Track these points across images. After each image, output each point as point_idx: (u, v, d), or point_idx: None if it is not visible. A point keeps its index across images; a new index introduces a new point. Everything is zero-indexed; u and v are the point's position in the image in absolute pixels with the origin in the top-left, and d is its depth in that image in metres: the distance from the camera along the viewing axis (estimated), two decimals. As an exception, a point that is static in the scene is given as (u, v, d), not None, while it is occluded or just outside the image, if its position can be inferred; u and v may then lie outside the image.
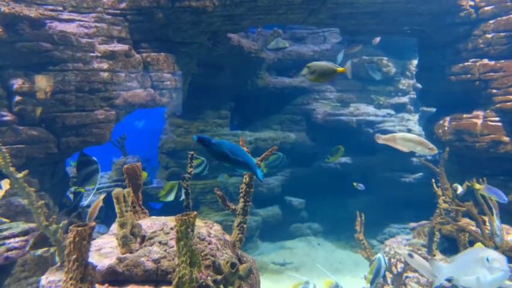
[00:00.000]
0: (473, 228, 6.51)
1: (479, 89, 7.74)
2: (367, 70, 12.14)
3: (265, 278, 9.13)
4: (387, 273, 7.46)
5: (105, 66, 7.16)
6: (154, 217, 4.25)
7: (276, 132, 12.46)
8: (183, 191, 4.59)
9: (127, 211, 3.53)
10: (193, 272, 2.97)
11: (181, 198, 7.90)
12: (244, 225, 4.47)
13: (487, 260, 3.78)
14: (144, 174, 10.89)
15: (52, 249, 5.87)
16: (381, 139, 6.02)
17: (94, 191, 7.08)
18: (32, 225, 5.75)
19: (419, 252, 7.23)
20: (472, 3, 7.77)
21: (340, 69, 5.00)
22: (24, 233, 5.60)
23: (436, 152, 5.97)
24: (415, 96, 12.98)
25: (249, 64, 11.70)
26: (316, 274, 9.75)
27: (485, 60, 7.63)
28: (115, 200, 3.46)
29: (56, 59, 6.67)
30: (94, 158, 6.42)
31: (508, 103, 7.23)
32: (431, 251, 7.01)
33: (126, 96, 7.47)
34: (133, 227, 3.55)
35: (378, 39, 12.00)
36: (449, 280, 4.21)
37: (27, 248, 4.78)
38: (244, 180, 4.46)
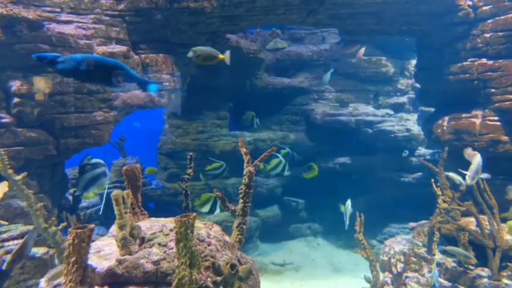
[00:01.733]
0: (473, 227, 6.52)
1: (477, 89, 7.74)
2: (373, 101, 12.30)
3: (265, 279, 9.12)
4: (386, 273, 7.48)
5: (104, 67, 7.15)
6: (153, 218, 4.24)
7: (275, 132, 12.46)
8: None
9: (126, 213, 3.52)
10: (193, 273, 2.96)
11: (216, 212, 8.28)
12: (244, 226, 4.46)
13: None
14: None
15: (51, 252, 5.87)
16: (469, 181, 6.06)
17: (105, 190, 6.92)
18: (31, 227, 5.73)
19: (419, 251, 7.23)
20: (470, 2, 7.77)
21: (221, 56, 5.99)
22: (23, 235, 5.58)
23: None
24: (414, 96, 13.00)
25: (248, 65, 11.69)
26: (316, 274, 9.76)
27: (484, 60, 7.64)
28: (114, 202, 3.45)
29: (55, 61, 6.66)
30: (101, 161, 6.22)
31: (507, 102, 7.24)
32: (431, 250, 7.01)
33: (125, 97, 7.46)
34: (133, 228, 3.54)
35: (362, 51, 12.03)
36: None
37: (3, 267, 4.63)
38: (243, 181, 4.45)
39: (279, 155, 10.05)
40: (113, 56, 7.27)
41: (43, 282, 3.61)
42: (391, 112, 12.65)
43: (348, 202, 7.75)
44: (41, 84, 6.54)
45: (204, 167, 10.18)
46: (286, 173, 10.12)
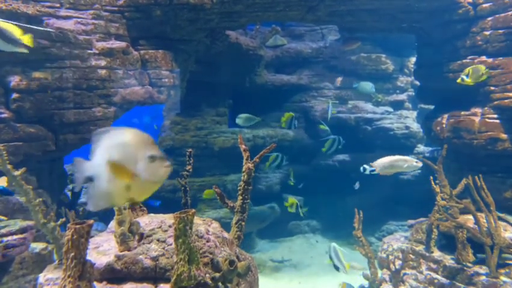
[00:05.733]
0: (471, 225, 6.53)
1: (477, 86, 7.73)
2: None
3: (263, 276, 9.14)
4: (384, 270, 7.50)
5: (103, 63, 7.14)
6: (152, 214, 4.25)
7: (274, 129, 12.45)
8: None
9: (125, 208, 3.53)
10: (192, 269, 2.97)
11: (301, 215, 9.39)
12: (243, 223, 4.48)
13: None
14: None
15: (50, 247, 5.87)
16: (377, 169, 6.27)
17: None
18: (30, 222, 5.73)
19: (417, 248, 7.25)
20: (470, 0, 7.76)
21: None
22: (22, 230, 5.59)
23: (421, 165, 6.19)
24: (413, 93, 12.99)
25: (247, 61, 11.68)
26: (314, 271, 9.79)
27: (484, 57, 7.63)
28: (113, 198, 3.45)
29: (54, 56, 6.65)
30: None
31: (506, 100, 7.24)
32: (429, 248, 7.03)
33: (124, 93, 7.45)
34: (131, 224, 3.54)
35: (339, 79, 12.11)
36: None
37: None
38: (242, 177, 4.46)
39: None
40: (113, 52, 7.26)
41: (42, 277, 3.62)
42: (390, 109, 12.65)
43: (333, 245, 6.96)
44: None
45: (203, 163, 10.26)
46: (285, 162, 10.38)
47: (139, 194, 2.20)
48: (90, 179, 2.39)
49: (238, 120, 10.02)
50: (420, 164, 6.38)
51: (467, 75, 7.14)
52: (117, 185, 2.16)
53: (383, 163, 6.41)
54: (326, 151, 10.50)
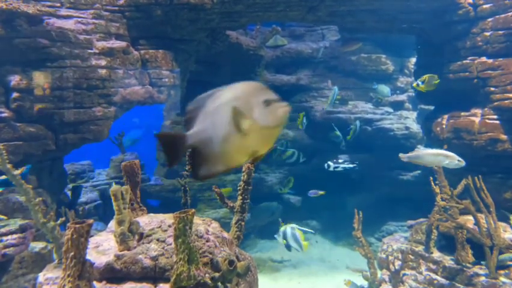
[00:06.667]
0: (471, 225, 6.53)
1: (477, 87, 7.74)
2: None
3: (263, 275, 9.14)
4: (384, 270, 7.50)
5: (103, 63, 7.14)
6: (152, 214, 4.25)
7: (274, 130, 12.44)
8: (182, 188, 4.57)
9: (125, 208, 3.53)
10: (191, 269, 2.97)
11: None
12: (242, 223, 4.48)
13: None
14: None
15: (50, 246, 5.87)
16: (405, 158, 6.21)
17: None
18: (30, 222, 5.74)
19: (417, 249, 7.26)
20: (470, 1, 7.76)
21: None
22: (22, 230, 5.59)
23: (464, 164, 6.13)
24: (413, 94, 12.98)
25: (248, 61, 11.67)
26: (314, 271, 9.78)
27: (484, 58, 7.63)
28: (112, 198, 3.46)
29: (54, 56, 6.65)
30: None
31: (506, 101, 7.24)
32: (429, 248, 7.03)
33: (124, 93, 7.45)
34: (131, 224, 3.55)
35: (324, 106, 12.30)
36: None
37: None
38: (242, 177, 4.46)
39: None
40: (113, 51, 7.26)
41: (41, 276, 3.62)
42: (390, 110, 12.64)
43: (290, 227, 6.99)
44: (41, 79, 6.53)
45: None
46: (302, 159, 10.54)
47: (261, 144, 2.02)
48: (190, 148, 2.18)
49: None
50: (463, 163, 6.17)
51: (422, 82, 7.55)
52: (236, 140, 1.99)
53: (420, 154, 6.36)
54: (284, 159, 10.73)
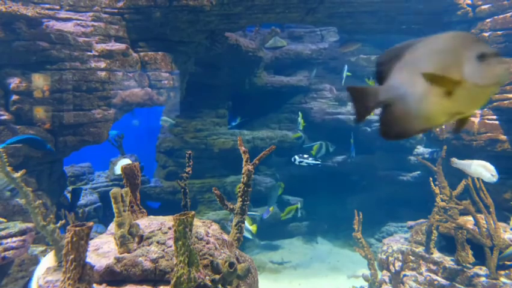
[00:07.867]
0: (471, 226, 6.53)
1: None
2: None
3: (263, 277, 9.13)
4: (384, 271, 7.50)
5: (102, 65, 7.14)
6: (152, 216, 4.25)
7: (274, 131, 12.45)
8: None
9: (124, 211, 3.53)
10: (191, 271, 2.97)
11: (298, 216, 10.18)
12: (242, 225, 4.47)
13: None
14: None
15: (50, 249, 5.86)
16: (456, 164, 6.36)
17: None
18: (30, 224, 5.73)
19: (417, 250, 7.25)
20: (469, 1, 7.78)
21: None
22: (22, 232, 5.58)
23: (496, 180, 6.21)
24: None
25: (247, 63, 11.68)
26: (314, 273, 9.78)
27: (483, 59, 7.64)
28: (112, 200, 3.46)
29: (54, 58, 6.65)
30: None
31: (505, 101, 7.25)
32: (429, 249, 7.03)
33: (124, 95, 7.46)
34: (131, 226, 3.54)
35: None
36: None
37: None
38: (242, 179, 4.45)
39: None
40: (112, 54, 7.27)
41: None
42: (390, 111, 12.65)
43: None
44: (40, 81, 6.53)
45: (203, 165, 10.28)
46: (331, 148, 10.75)
47: (469, 105, 1.76)
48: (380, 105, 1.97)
49: None
50: (495, 179, 6.29)
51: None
52: (438, 100, 1.73)
53: (467, 163, 6.52)
54: (315, 155, 10.73)
